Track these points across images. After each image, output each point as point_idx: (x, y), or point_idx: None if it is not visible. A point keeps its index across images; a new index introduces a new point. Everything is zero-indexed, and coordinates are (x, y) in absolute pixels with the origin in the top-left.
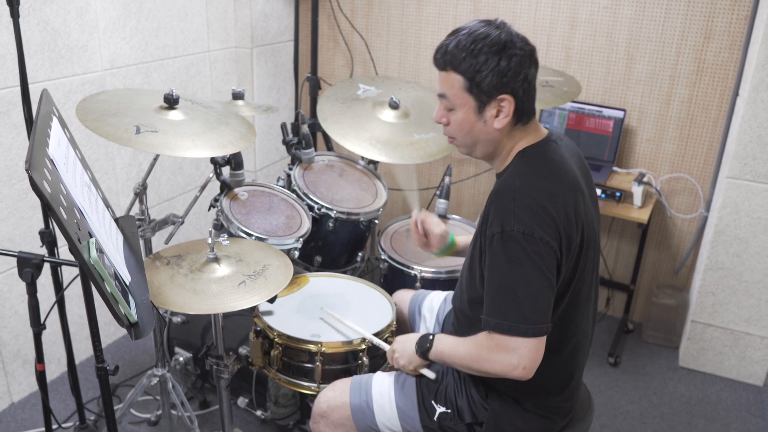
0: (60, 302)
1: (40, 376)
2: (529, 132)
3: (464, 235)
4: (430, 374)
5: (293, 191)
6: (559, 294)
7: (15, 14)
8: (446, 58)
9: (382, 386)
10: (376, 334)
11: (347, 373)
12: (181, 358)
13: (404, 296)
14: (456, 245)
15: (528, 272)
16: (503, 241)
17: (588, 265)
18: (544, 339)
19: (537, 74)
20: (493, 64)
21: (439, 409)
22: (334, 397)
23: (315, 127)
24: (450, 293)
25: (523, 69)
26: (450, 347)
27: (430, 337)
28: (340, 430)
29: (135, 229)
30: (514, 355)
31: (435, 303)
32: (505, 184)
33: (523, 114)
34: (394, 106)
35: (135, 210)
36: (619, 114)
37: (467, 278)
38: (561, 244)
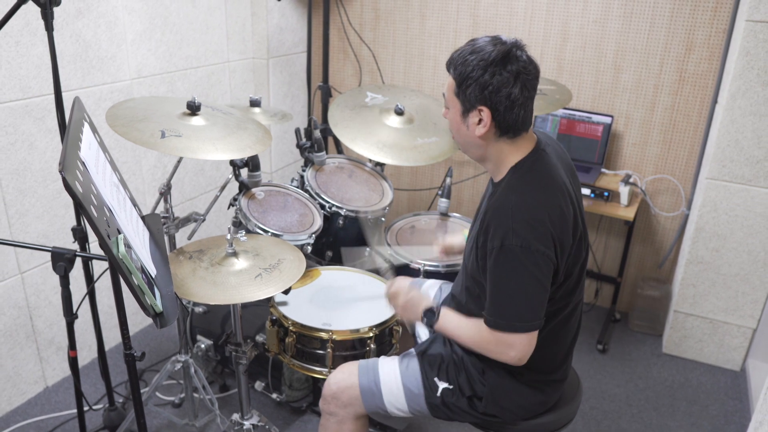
0: (91, 294)
1: (73, 361)
2: (518, 146)
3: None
4: (424, 333)
5: (306, 191)
6: (557, 286)
7: (49, 28)
8: (450, 62)
9: (388, 369)
10: (383, 324)
11: (356, 359)
12: (202, 345)
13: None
14: None
15: (525, 281)
16: (503, 254)
17: (580, 258)
18: (536, 332)
19: (528, 96)
20: (477, 75)
21: (442, 386)
22: (343, 378)
23: (326, 132)
24: (444, 282)
25: (507, 87)
26: (454, 327)
27: (436, 310)
28: (349, 410)
29: (160, 226)
30: (511, 350)
31: (431, 293)
32: (503, 200)
33: (509, 128)
34: (399, 112)
35: (160, 208)
36: (607, 120)
37: (463, 271)
38: (556, 251)
